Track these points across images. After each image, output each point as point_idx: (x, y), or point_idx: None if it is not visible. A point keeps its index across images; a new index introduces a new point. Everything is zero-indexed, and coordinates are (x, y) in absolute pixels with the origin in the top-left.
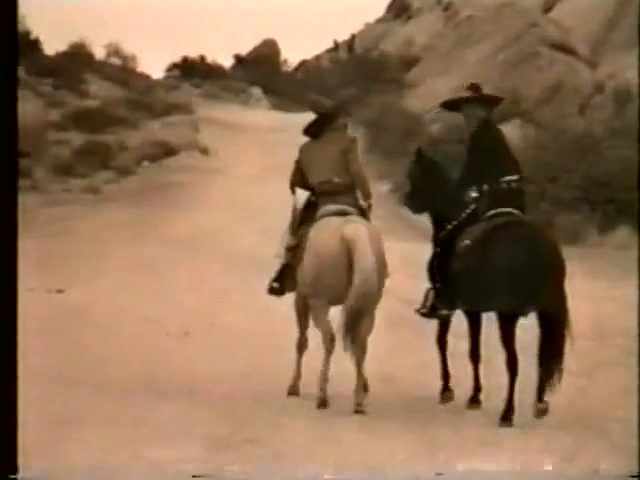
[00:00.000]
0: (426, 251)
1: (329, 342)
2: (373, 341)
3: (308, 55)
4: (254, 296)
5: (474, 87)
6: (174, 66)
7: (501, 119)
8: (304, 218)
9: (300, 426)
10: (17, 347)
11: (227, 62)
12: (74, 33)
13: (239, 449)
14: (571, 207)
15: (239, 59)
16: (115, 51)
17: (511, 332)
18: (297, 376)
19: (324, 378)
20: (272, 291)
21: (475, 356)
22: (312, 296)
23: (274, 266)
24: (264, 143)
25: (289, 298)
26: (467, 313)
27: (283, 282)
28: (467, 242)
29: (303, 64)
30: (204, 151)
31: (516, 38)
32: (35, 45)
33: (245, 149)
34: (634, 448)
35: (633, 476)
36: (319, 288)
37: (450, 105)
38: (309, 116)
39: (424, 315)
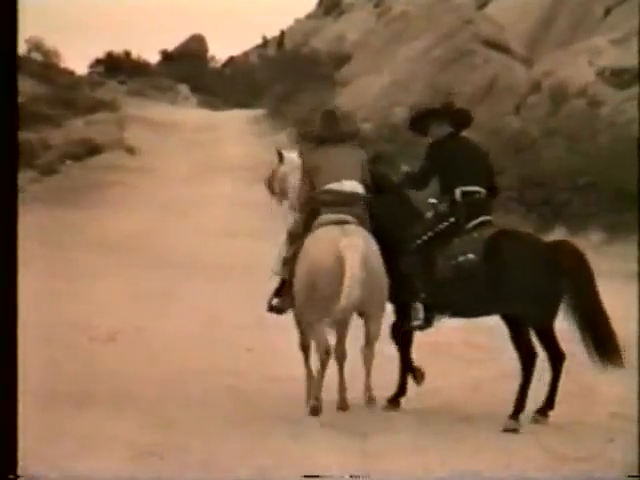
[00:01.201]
0: None
1: (324, 354)
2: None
3: (236, 51)
4: (183, 299)
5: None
6: (98, 62)
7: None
8: (305, 228)
9: (230, 433)
10: None
11: (153, 58)
12: None
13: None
14: (506, 208)
15: (166, 55)
16: (36, 46)
17: (527, 334)
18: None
19: (318, 387)
20: (272, 309)
21: None
22: (306, 307)
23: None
24: (192, 142)
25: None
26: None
27: (284, 298)
28: (470, 255)
29: (231, 60)
30: (130, 150)
31: (450, 35)
32: None
33: (173, 148)
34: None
35: (633, 476)
36: (313, 300)
37: (417, 126)
38: (236, 114)
39: (421, 329)
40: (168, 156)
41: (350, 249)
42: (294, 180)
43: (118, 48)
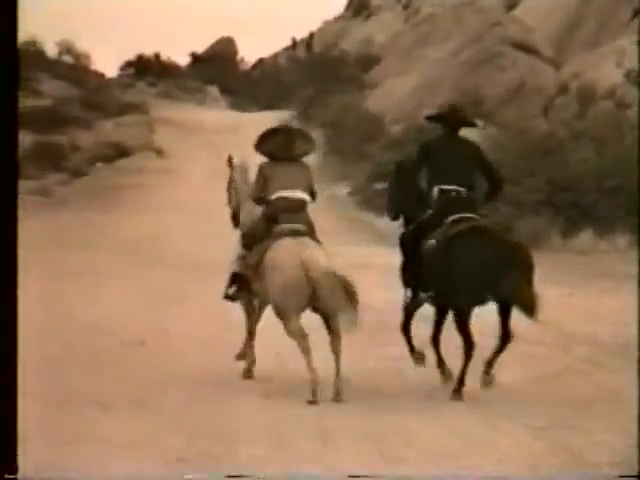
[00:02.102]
0: (379, 255)
1: (304, 344)
2: None
3: (266, 53)
4: (207, 302)
5: (454, 109)
6: (128, 64)
7: None
8: (262, 233)
9: (257, 438)
10: None
11: (183, 60)
12: (24, 30)
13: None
14: (534, 211)
15: (195, 57)
16: (67, 49)
17: (466, 321)
18: (251, 362)
19: (314, 378)
20: (227, 297)
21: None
22: (282, 309)
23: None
24: (219, 144)
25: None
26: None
27: (237, 289)
28: (432, 243)
29: (260, 62)
30: (159, 152)
31: (478, 37)
32: None
33: (200, 150)
34: (634, 448)
35: (633, 476)
36: (287, 303)
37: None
38: (265, 116)
39: (408, 309)
40: (195, 158)
41: (314, 260)
42: (242, 185)
43: (148, 50)
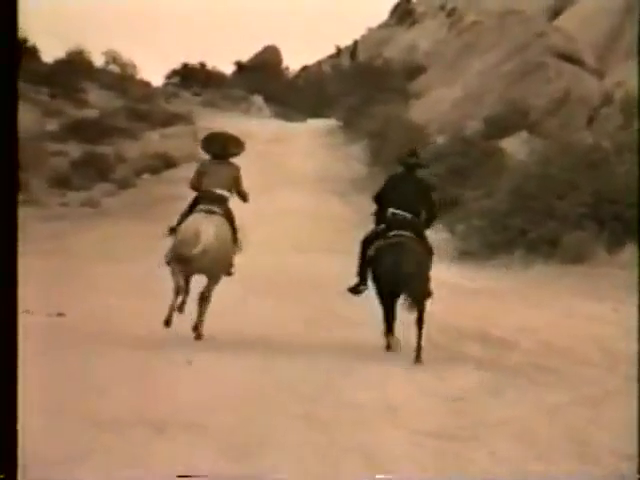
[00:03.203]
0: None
1: (178, 289)
2: None
3: (310, 61)
4: (254, 315)
5: (413, 152)
6: (174, 73)
7: (506, 132)
8: (185, 214)
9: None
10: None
11: (228, 69)
12: (72, 40)
13: None
14: (578, 225)
15: (240, 66)
16: (114, 58)
17: (391, 308)
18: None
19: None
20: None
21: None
22: (171, 262)
23: (273, 282)
24: (264, 154)
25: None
26: None
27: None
28: (374, 248)
29: (304, 70)
30: None
31: (522, 48)
32: (32, 52)
33: (245, 160)
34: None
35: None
36: (176, 257)
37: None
38: (309, 125)
39: (353, 291)
40: (242, 169)
41: (206, 227)
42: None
43: (193, 59)
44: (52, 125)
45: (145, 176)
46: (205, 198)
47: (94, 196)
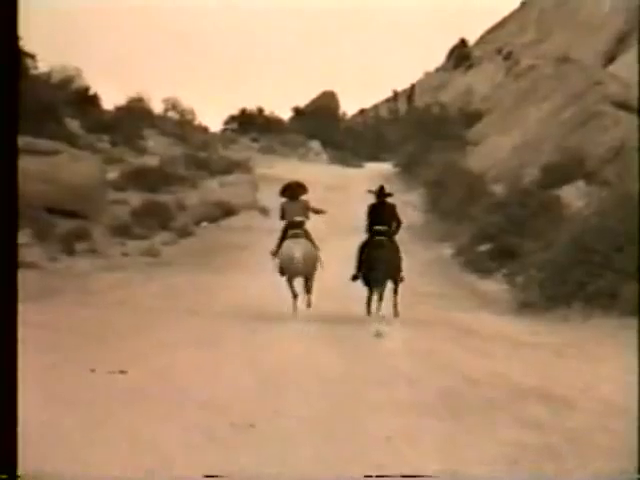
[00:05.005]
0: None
1: (294, 297)
2: None
3: (367, 104)
4: (322, 376)
5: (381, 188)
6: (232, 118)
7: (564, 181)
8: (281, 237)
9: None
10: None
11: (285, 114)
12: (132, 89)
13: None
14: (636, 277)
15: (298, 111)
16: (173, 105)
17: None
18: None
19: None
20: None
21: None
22: (284, 274)
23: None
24: (323, 201)
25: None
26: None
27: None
28: (365, 250)
29: (361, 113)
30: (263, 211)
31: (579, 95)
32: (93, 101)
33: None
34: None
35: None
36: (285, 271)
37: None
38: (366, 171)
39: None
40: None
41: (297, 249)
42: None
43: (251, 105)
44: (113, 173)
45: (204, 224)
46: (291, 225)
47: (154, 245)
